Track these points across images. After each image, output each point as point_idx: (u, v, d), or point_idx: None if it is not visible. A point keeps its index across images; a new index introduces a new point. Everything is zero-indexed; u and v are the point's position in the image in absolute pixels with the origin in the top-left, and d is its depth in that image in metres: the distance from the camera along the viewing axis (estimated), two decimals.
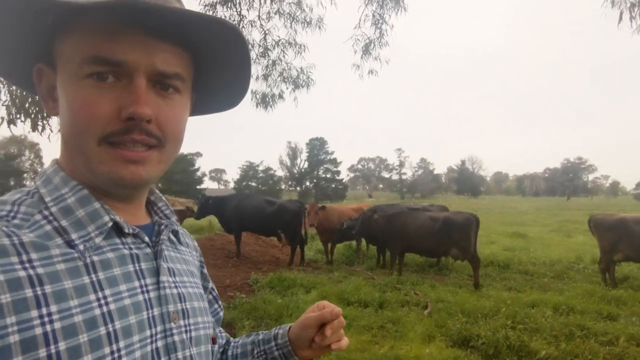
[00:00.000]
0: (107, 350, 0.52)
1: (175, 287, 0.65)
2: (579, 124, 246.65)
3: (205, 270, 0.82)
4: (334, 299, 5.91)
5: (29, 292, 0.47)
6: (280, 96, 6.88)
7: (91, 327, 0.51)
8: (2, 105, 4.72)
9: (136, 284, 0.59)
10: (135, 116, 0.55)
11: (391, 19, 6.22)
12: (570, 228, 18.14)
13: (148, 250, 0.64)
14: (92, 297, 0.53)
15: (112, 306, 0.54)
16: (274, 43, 6.40)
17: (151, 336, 0.59)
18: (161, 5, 0.52)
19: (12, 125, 4.81)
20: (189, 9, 0.55)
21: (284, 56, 6.58)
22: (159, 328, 0.60)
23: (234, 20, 5.98)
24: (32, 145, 55.22)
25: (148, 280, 0.61)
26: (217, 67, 0.67)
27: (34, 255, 0.50)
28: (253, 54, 6.44)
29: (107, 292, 0.55)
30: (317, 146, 65.84)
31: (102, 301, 0.53)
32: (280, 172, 67.47)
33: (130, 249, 0.61)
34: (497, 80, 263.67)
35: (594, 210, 27.91)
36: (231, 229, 9.60)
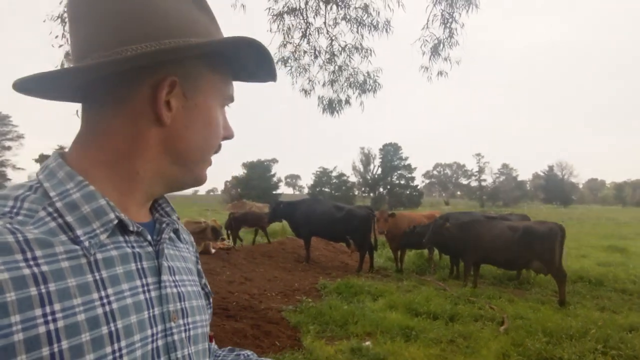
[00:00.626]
0: (108, 349, 0.52)
1: (175, 286, 0.65)
2: None
3: (200, 267, 0.82)
4: (401, 308, 5.75)
5: (33, 290, 0.47)
6: (347, 101, 6.86)
7: (93, 326, 0.51)
8: None
9: (138, 283, 0.59)
10: (231, 138, 0.73)
11: (461, 17, 5.94)
12: None
13: (150, 248, 0.64)
14: (95, 295, 0.53)
15: (114, 305, 0.54)
16: (340, 49, 6.41)
17: (152, 335, 0.58)
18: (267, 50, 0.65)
19: None
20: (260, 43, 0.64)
21: (350, 61, 6.56)
22: (159, 327, 0.60)
23: (300, 28, 6.11)
24: None
25: (149, 280, 0.61)
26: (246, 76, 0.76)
27: (38, 253, 0.50)
28: (320, 61, 6.52)
29: (110, 290, 0.55)
30: (390, 152, 64.90)
31: (105, 300, 0.53)
32: (353, 178, 67.55)
33: (133, 247, 0.61)
34: (589, 75, 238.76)
35: None
36: (300, 233, 9.78)
